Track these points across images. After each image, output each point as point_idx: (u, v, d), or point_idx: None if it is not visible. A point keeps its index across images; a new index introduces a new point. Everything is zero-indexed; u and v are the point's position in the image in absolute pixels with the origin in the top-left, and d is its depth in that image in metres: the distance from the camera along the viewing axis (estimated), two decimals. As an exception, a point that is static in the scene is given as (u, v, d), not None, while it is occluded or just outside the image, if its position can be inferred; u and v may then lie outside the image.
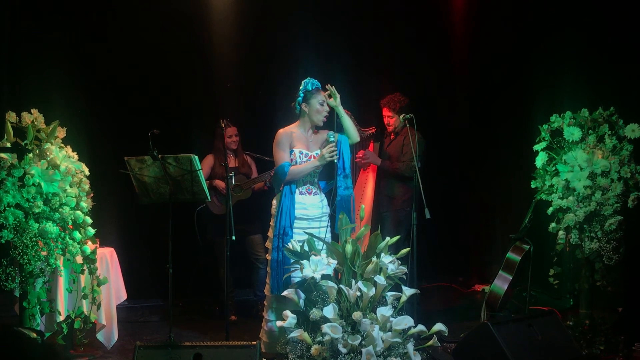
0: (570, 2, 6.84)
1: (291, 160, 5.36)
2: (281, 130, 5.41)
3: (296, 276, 5.08)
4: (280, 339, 4.96)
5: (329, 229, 5.40)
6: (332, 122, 5.42)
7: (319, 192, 5.47)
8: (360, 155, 6.37)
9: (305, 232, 5.19)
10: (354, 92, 7.07)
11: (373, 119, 6.54)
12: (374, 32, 7.79)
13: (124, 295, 5.86)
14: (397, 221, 6.32)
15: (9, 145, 4.97)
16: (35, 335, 4.70)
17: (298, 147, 5.37)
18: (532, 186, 5.87)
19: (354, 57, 7.68)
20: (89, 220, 5.26)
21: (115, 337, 5.66)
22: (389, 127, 6.45)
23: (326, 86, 5.37)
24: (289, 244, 5.11)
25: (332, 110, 5.43)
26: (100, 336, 5.58)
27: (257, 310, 6.85)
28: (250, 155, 6.96)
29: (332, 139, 5.32)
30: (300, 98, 5.35)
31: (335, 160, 5.33)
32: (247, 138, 7.03)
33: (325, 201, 5.48)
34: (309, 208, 5.37)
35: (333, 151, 5.27)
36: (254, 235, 6.84)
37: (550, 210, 5.74)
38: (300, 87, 5.36)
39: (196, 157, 5.05)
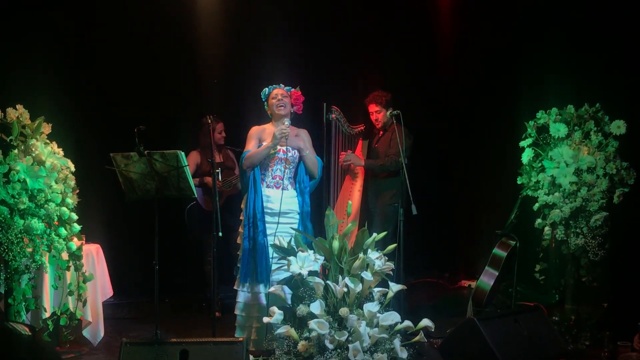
0: (555, 0, 6.86)
1: None
2: (254, 127, 5.58)
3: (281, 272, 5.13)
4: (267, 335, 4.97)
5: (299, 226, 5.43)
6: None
7: (290, 188, 5.48)
8: (342, 157, 6.31)
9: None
10: (342, 90, 7.07)
11: (361, 118, 6.53)
12: (361, 29, 7.77)
13: (110, 292, 5.85)
14: (385, 217, 6.30)
15: (-7, 141, 4.95)
16: (26, 329, 4.66)
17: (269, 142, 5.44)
18: (518, 182, 5.89)
19: (340, 54, 7.67)
20: (74, 216, 5.24)
21: (102, 334, 5.65)
22: (378, 124, 6.42)
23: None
24: (276, 240, 5.13)
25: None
26: (86, 333, 5.57)
27: None
28: (232, 150, 6.94)
29: (286, 122, 5.44)
30: (265, 106, 5.61)
31: (285, 142, 5.42)
32: (228, 134, 7.04)
33: (297, 198, 5.49)
34: (274, 202, 5.39)
35: (284, 131, 5.34)
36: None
37: (536, 206, 5.77)
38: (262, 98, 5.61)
39: (182, 153, 5.03)
